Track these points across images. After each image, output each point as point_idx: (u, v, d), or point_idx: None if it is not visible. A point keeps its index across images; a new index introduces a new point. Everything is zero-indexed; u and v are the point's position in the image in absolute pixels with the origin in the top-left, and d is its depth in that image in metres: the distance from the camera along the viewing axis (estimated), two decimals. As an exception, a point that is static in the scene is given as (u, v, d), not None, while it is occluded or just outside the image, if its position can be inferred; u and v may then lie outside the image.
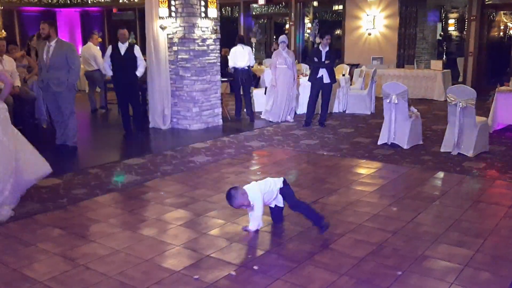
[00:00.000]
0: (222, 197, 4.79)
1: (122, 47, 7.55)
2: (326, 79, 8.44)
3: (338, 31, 16.68)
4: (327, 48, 8.43)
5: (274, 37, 17.53)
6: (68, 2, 17.74)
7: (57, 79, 6.41)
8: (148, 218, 4.30)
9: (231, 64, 9.22)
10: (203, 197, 4.86)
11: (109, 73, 7.70)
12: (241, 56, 9.12)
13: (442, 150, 6.62)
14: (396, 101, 6.76)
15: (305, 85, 9.61)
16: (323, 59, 8.39)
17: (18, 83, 7.08)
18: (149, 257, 3.49)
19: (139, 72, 7.62)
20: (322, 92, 8.61)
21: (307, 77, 9.09)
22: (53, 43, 6.41)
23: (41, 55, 6.46)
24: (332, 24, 18.19)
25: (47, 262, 3.43)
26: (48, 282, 3.12)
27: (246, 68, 9.14)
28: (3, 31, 11.36)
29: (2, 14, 12.42)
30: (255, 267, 3.32)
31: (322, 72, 8.41)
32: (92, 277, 3.19)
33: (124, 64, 7.52)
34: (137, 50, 7.60)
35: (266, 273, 3.23)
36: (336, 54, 8.56)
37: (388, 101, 6.85)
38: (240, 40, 9.39)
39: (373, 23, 13.89)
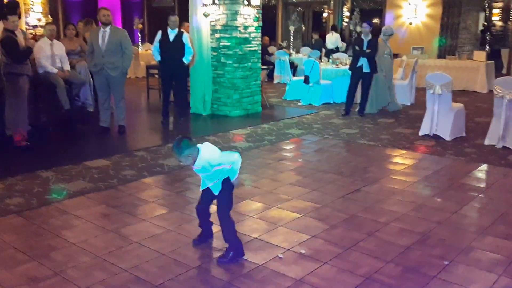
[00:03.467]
0: (265, 182, 4.92)
1: (172, 34, 7.62)
2: (366, 68, 8.38)
3: (376, 20, 16.43)
4: (369, 37, 8.35)
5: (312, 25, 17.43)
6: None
7: (112, 63, 6.64)
8: (195, 200, 4.42)
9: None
10: (246, 181, 4.96)
11: (157, 58, 7.81)
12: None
13: (486, 142, 6.51)
14: (440, 92, 6.67)
15: (344, 74, 9.59)
16: (364, 48, 8.32)
17: (67, 67, 7.32)
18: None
19: (187, 59, 7.68)
20: (362, 81, 8.56)
21: (347, 66, 9.04)
22: (108, 29, 6.64)
23: (96, 41, 6.68)
24: (371, 13, 17.91)
25: (103, 238, 3.61)
26: (106, 257, 3.29)
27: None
28: (49, 16, 11.71)
29: (48, 1, 12.78)
30: (302, 251, 3.40)
31: (363, 61, 8.35)
32: (147, 254, 3.34)
33: (172, 51, 7.58)
34: (185, 37, 7.65)
35: (313, 257, 3.31)
36: (377, 44, 8.43)
37: (431, 91, 6.77)
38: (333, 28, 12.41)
39: (414, 12, 13.63)
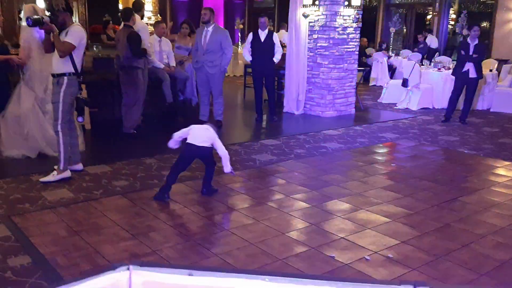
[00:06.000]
0: (355, 184, 4.89)
1: (262, 34, 7.84)
2: (473, 74, 7.93)
3: (485, 24, 15.43)
4: (476, 41, 7.90)
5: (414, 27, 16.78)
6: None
7: (211, 61, 6.97)
8: (284, 196, 4.54)
9: None
10: (336, 182, 4.96)
11: (248, 58, 8.07)
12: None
13: None
14: (554, 102, 6.14)
15: (447, 79, 9.16)
16: (470, 53, 7.89)
17: (173, 63, 7.78)
18: (286, 231, 3.71)
19: (276, 59, 7.84)
20: (466, 87, 8.11)
21: (450, 71, 8.62)
22: (210, 28, 6.98)
23: (199, 39, 7.05)
24: (479, 15, 16.85)
25: (198, 223, 3.83)
26: (199, 241, 3.49)
27: None
28: (158, 15, 12.50)
29: (158, 0, 13.63)
30: (390, 255, 3.35)
31: (469, 66, 7.91)
32: (237, 242, 3.49)
33: (262, 50, 7.80)
34: (275, 37, 7.84)
35: (401, 262, 3.25)
36: (486, 48, 7.94)
37: (544, 101, 6.25)
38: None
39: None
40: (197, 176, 4.97)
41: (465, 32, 10.53)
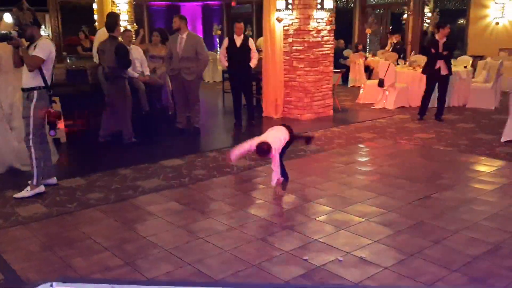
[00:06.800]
0: (331, 185, 4.91)
1: (238, 39, 7.87)
2: (444, 71, 8.05)
3: (461, 21, 15.67)
4: (445, 39, 8.02)
5: (390, 27, 16.97)
6: (191, -4, 18.81)
7: (187, 68, 6.98)
8: (260, 201, 4.54)
9: None
10: (313, 184, 4.98)
11: (224, 63, 8.10)
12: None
13: None
14: (524, 96, 6.25)
15: (422, 78, 9.25)
16: (440, 50, 8.01)
17: (147, 71, 7.75)
18: (261, 236, 3.71)
19: (253, 64, 7.89)
20: (438, 84, 8.22)
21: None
22: (184, 35, 6.99)
23: (174, 46, 7.05)
24: (455, 13, 17.11)
25: (172, 232, 3.81)
26: (172, 251, 3.48)
27: None
28: (135, 24, 12.44)
29: (133, 9, 13.58)
30: (363, 256, 3.37)
31: (440, 64, 8.03)
32: (211, 250, 3.48)
33: (239, 56, 7.84)
34: (251, 42, 7.90)
35: (374, 262, 3.27)
36: (455, 45, 8.07)
37: (515, 95, 6.36)
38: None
39: (502, 11, 12.83)
40: (172, 185, 4.95)
41: (434, 29, 10.62)
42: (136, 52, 7.68)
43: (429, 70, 8.21)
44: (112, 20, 6.67)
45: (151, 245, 3.58)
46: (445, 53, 7.97)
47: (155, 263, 3.30)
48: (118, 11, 11.03)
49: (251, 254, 3.41)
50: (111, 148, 6.60)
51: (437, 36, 8.14)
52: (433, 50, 8.08)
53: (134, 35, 8.50)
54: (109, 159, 6.14)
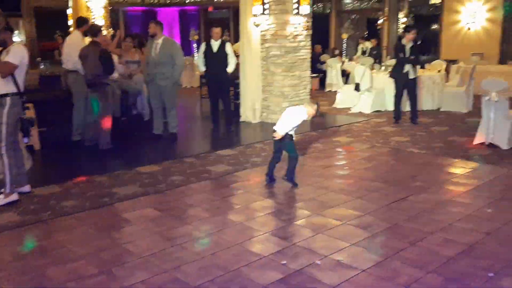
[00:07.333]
0: (309, 189, 4.93)
1: (215, 44, 7.85)
2: (412, 75, 8.20)
3: (435, 26, 15.98)
4: (412, 43, 8.18)
5: (366, 32, 17.21)
6: (168, 1, 18.75)
7: (162, 74, 6.93)
8: (238, 206, 4.53)
9: None
10: (291, 188, 4.99)
11: (202, 69, 8.07)
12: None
13: (547, 152, 6.17)
14: (496, 99, 6.40)
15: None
16: (408, 54, 8.15)
17: (116, 75, 7.59)
18: (239, 242, 3.69)
19: (230, 68, 7.88)
20: (408, 88, 8.36)
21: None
22: (160, 40, 6.95)
23: (149, 52, 7.01)
24: (429, 18, 17.44)
25: (148, 239, 3.77)
26: (149, 258, 3.43)
27: None
28: (111, 29, 12.32)
29: (109, 14, 13.46)
30: (340, 258, 3.39)
31: (408, 68, 8.18)
32: (188, 256, 3.45)
33: (216, 61, 7.81)
34: (228, 47, 7.87)
35: (351, 265, 3.29)
36: (422, 48, 8.25)
37: (487, 98, 6.51)
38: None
39: (473, 17, 13.15)
40: (149, 192, 4.90)
41: (402, 33, 10.81)
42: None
43: (397, 74, 8.34)
44: (96, 26, 6.66)
45: (127, 253, 3.53)
46: (411, 57, 8.13)
47: (131, 271, 3.25)
48: (93, 16, 10.93)
49: (229, 260, 3.39)
50: (86, 154, 6.50)
51: (403, 41, 8.29)
52: (401, 54, 8.22)
53: (110, 40, 8.40)
54: (84, 165, 6.05)
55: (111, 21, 13.57)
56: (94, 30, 6.59)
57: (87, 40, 6.91)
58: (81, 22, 7.27)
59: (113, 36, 11.37)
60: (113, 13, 14.89)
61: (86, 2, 11.02)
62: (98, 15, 11.09)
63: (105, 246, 3.64)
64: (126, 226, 4.06)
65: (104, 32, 10.45)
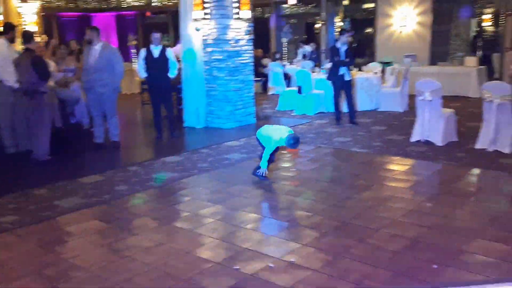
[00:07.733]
0: (258, 192, 4.96)
1: (155, 50, 7.71)
2: (347, 77, 8.49)
3: (369, 29, 16.61)
4: (346, 47, 8.48)
5: (305, 36, 17.58)
6: (104, 6, 18.25)
7: (101, 80, 6.71)
8: (187, 213, 4.47)
9: None
10: (239, 192, 4.99)
11: (142, 75, 7.90)
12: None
13: (477, 147, 6.55)
14: (429, 98, 6.73)
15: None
16: (342, 57, 8.43)
17: (51, 82, 7.29)
18: (190, 249, 3.64)
19: (172, 74, 7.77)
20: (345, 90, 8.64)
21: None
22: (98, 46, 6.73)
23: (87, 58, 6.77)
24: (364, 22, 18.11)
25: (95, 252, 3.63)
26: (97, 271, 3.31)
27: None
28: (44, 35, 11.82)
29: (42, 21, 12.91)
30: (292, 260, 3.43)
31: (344, 70, 8.45)
32: (138, 267, 3.36)
33: (157, 66, 7.66)
34: (169, 52, 7.74)
35: (303, 265, 3.34)
36: (355, 51, 8.59)
37: (421, 98, 6.83)
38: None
39: (405, 21, 13.78)
40: (93, 203, 4.73)
41: (337, 36, 11.19)
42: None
43: (333, 77, 8.60)
44: (29, 32, 6.36)
45: (73, 268, 3.38)
46: (346, 60, 8.42)
47: (79, 286, 3.12)
48: (25, 22, 10.45)
49: (180, 269, 3.33)
50: (23, 166, 6.18)
51: (338, 44, 8.56)
52: (336, 58, 8.48)
53: (44, 47, 8.06)
54: (22, 178, 5.75)
55: (44, 27, 13.04)
56: (27, 37, 6.29)
57: (15, 47, 6.62)
58: (7, 28, 6.90)
59: (46, 44, 10.93)
60: (46, 19, 14.29)
61: (17, 8, 10.51)
62: (30, 21, 10.59)
63: (50, 262, 3.48)
64: (70, 240, 3.90)
65: (38, 39, 10.04)
